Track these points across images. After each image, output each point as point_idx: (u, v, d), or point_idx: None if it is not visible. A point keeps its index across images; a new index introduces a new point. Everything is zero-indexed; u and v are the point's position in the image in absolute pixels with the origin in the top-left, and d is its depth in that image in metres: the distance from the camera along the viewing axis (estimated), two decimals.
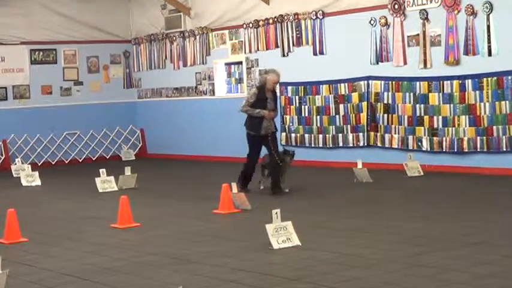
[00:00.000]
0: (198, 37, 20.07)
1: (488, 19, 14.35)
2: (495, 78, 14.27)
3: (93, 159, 21.07)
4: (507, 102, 14.15)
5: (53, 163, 20.53)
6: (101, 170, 14.81)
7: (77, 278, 8.06)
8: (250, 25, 18.67)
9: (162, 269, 8.26)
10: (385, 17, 15.94)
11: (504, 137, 14.22)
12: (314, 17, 17.31)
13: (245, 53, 18.95)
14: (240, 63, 19.21)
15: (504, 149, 14.26)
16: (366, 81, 16.32)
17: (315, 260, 8.24)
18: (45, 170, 18.69)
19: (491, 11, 14.31)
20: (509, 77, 14.08)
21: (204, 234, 10.09)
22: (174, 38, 20.76)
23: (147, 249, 9.33)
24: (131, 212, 10.96)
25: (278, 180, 13.24)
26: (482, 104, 14.48)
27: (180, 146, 20.75)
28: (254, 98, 13.29)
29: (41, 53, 20.70)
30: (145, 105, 21.93)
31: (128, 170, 14.88)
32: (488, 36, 14.38)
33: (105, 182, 14.75)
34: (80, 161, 20.94)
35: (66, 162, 20.75)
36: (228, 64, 19.70)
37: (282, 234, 8.92)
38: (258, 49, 18.61)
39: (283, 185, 13.31)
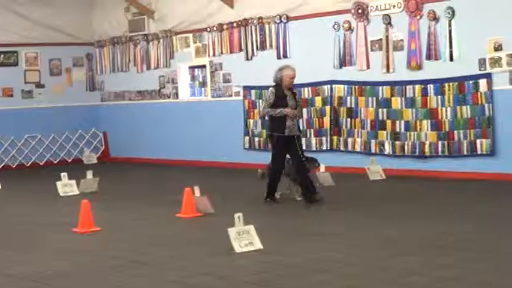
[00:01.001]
0: (161, 40, 20.00)
1: (450, 24, 14.47)
2: (456, 83, 14.39)
3: (55, 162, 20.91)
4: (468, 106, 14.27)
5: (14, 166, 20.33)
6: (62, 174, 14.69)
7: (37, 283, 7.98)
8: (214, 28, 18.64)
9: (123, 273, 8.20)
10: (348, 21, 16.01)
11: (465, 141, 14.34)
12: (278, 21, 17.33)
13: (209, 56, 18.91)
14: (204, 66, 19.17)
15: (465, 153, 14.38)
16: (329, 86, 16.38)
17: (277, 263, 8.24)
18: (5, 173, 18.52)
19: (453, 17, 14.42)
20: (471, 82, 14.21)
21: (166, 238, 10.05)
22: (138, 41, 20.67)
23: (108, 253, 9.27)
24: (92, 216, 10.87)
25: (310, 182, 12.38)
26: (443, 108, 14.60)
27: (143, 150, 20.67)
28: (273, 97, 12.39)
29: (2, 55, 20.50)
30: (108, 109, 21.82)
31: (89, 174, 14.78)
32: (450, 41, 14.49)
33: (66, 186, 14.63)
34: (41, 164, 20.76)
35: (27, 165, 20.56)
36: (192, 67, 19.65)
37: (244, 238, 8.90)
38: (221, 52, 18.59)
39: (291, 191, 12.75)
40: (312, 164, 12.83)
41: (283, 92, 12.40)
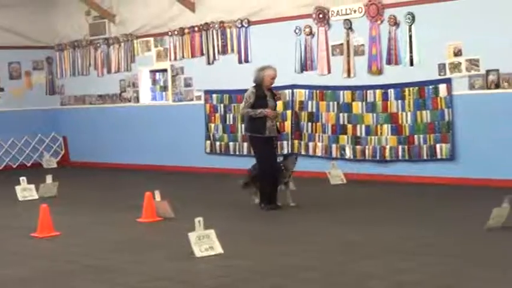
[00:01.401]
0: (122, 44, 19.92)
1: (410, 29, 14.56)
2: (417, 87, 14.49)
3: (14, 166, 20.71)
4: (428, 111, 14.37)
5: None
6: (21, 178, 14.55)
7: None
8: (176, 32, 18.59)
9: (82, 278, 8.13)
10: (309, 26, 16.05)
11: (425, 145, 14.44)
12: (239, 26, 17.33)
13: (170, 60, 18.86)
14: (165, 70, 19.11)
15: (425, 158, 14.47)
16: (290, 90, 16.40)
17: (237, 268, 8.22)
18: None
19: (413, 22, 14.52)
20: (430, 87, 14.31)
21: (126, 243, 9.98)
22: (99, 44, 20.56)
23: (67, 258, 9.18)
24: (52, 221, 10.77)
25: (275, 192, 12.14)
26: (404, 113, 14.69)
27: (104, 154, 20.55)
28: (253, 97, 12.08)
29: None
30: (68, 112, 21.66)
31: (49, 178, 14.65)
32: (410, 46, 14.58)
33: (25, 190, 14.49)
34: (0, 168, 20.55)
35: None
36: (153, 71, 19.58)
37: (204, 242, 8.87)
38: (183, 57, 18.55)
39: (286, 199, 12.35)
40: (291, 160, 12.46)
41: (264, 92, 12.19)
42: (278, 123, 12.63)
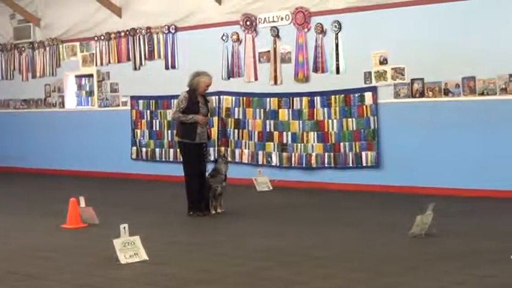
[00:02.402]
0: (48, 48, 19.66)
1: (337, 38, 14.69)
2: (343, 95, 14.61)
3: None
4: (354, 119, 14.51)
5: None
6: None
7: None
8: (102, 37, 18.43)
9: (4, 285, 7.96)
10: (237, 33, 16.07)
11: (350, 153, 14.57)
12: (166, 31, 17.26)
13: (96, 65, 18.69)
14: (91, 75, 18.92)
15: (351, 165, 14.60)
16: (217, 97, 16.38)
17: (162, 275, 8.15)
18: None
19: (339, 30, 14.65)
20: (356, 95, 14.45)
21: (49, 250, 9.82)
22: (23, 48, 20.25)
23: None
24: None
25: (207, 200, 12.04)
26: (330, 120, 14.80)
27: (29, 159, 20.23)
28: (185, 102, 11.95)
29: None
30: None
31: None
32: (337, 54, 14.71)
33: None
34: None
35: None
36: (79, 76, 19.38)
37: (129, 249, 8.78)
38: (109, 62, 18.40)
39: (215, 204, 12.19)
40: (223, 162, 12.37)
41: (197, 98, 12.07)
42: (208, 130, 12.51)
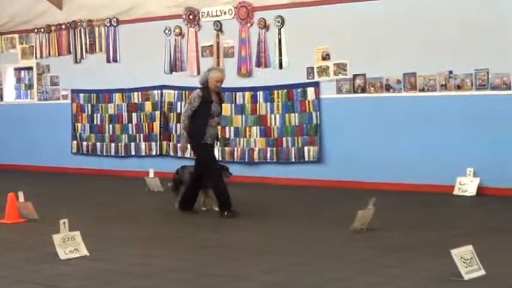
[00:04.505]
0: None
1: (279, 33, 14.70)
2: (285, 90, 14.64)
3: None
4: (296, 114, 14.54)
5: None
6: None
7: None
8: (42, 30, 18.19)
9: None
10: (179, 26, 16.00)
11: (293, 148, 14.60)
12: (108, 24, 17.10)
13: (36, 58, 18.44)
14: (31, 68, 18.68)
15: (293, 160, 14.64)
16: (159, 91, 16.30)
17: (103, 270, 8.07)
18: None
19: (282, 25, 14.66)
20: (299, 90, 14.48)
21: None
22: None
23: None
24: None
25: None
26: (273, 115, 14.81)
27: None
28: (198, 101, 11.14)
29: None
30: None
31: None
32: (280, 49, 14.72)
33: None
34: None
35: None
36: (18, 69, 19.12)
37: (69, 244, 8.67)
38: (49, 55, 18.18)
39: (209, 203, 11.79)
40: (224, 172, 11.77)
41: (210, 96, 11.24)
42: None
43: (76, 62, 17.74)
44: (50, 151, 18.20)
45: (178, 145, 11.46)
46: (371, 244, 8.96)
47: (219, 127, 12.07)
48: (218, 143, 11.80)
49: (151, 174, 14.25)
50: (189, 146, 11.72)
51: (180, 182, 11.89)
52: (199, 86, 11.50)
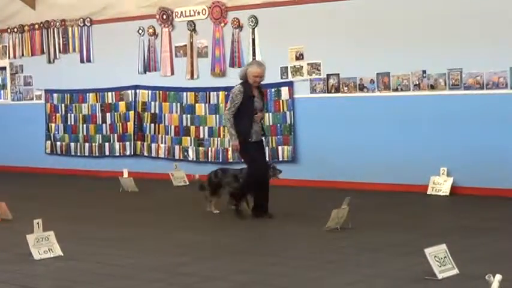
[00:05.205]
0: None
1: (253, 32, 14.71)
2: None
3: None
4: (270, 114, 14.56)
5: None
6: None
7: None
8: (15, 30, 18.10)
9: None
10: (153, 26, 15.97)
11: (267, 148, 14.55)
12: (82, 24, 17.04)
13: (9, 58, 18.35)
14: (4, 68, 18.57)
15: (267, 160, 14.60)
16: (133, 91, 16.27)
17: (77, 270, 8.05)
18: None
19: (256, 25, 14.68)
20: (273, 90, 14.49)
21: None
22: None
23: None
24: None
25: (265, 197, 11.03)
26: None
27: None
28: (240, 97, 10.73)
29: None
30: None
31: None
32: (253, 49, 14.73)
33: None
34: None
35: None
36: None
37: (43, 244, 8.65)
38: (22, 55, 18.09)
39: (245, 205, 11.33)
40: (275, 171, 11.47)
41: (251, 91, 10.86)
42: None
43: (49, 62, 17.66)
44: (24, 151, 18.10)
45: (231, 144, 11.06)
46: (346, 244, 8.99)
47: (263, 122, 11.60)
48: (264, 138, 11.41)
49: (126, 174, 14.23)
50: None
51: (220, 186, 11.48)
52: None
